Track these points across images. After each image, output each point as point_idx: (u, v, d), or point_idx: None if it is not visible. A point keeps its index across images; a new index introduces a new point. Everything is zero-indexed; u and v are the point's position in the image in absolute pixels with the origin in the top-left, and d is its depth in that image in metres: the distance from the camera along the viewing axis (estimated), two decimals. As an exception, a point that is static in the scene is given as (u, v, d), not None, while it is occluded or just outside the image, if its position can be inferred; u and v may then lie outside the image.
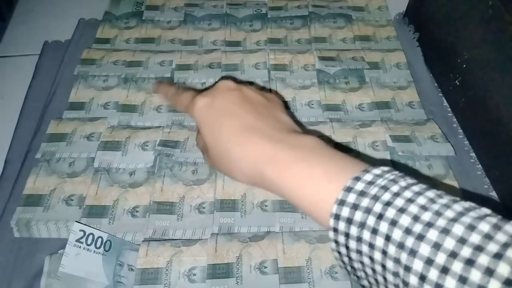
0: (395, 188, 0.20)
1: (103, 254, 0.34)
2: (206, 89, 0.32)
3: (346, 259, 0.22)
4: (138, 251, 0.34)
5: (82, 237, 0.33)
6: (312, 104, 0.46)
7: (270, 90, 0.44)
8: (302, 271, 0.33)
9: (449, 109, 0.47)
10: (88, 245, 0.33)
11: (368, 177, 0.22)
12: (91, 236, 0.34)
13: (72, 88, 0.48)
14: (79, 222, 0.35)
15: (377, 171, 0.22)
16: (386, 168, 0.22)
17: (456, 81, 0.45)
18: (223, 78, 0.31)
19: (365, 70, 0.49)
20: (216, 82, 0.32)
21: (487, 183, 0.40)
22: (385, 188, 0.20)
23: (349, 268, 0.23)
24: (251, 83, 0.32)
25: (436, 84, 0.49)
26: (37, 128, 0.44)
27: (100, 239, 0.34)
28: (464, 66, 0.44)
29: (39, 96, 0.47)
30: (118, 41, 0.54)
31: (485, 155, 0.42)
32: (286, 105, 0.31)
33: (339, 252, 0.22)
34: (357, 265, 0.22)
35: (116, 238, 0.35)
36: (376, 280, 0.21)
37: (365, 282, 0.22)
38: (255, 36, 0.55)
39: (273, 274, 0.33)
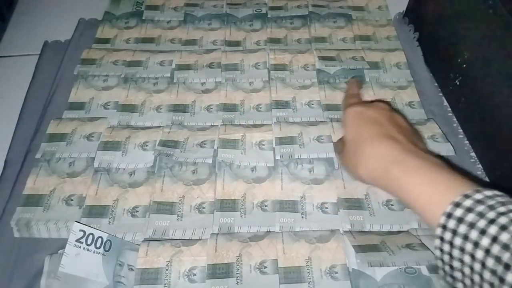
0: (506, 207, 0.23)
1: (103, 254, 0.34)
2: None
3: (447, 258, 0.25)
4: (138, 251, 0.34)
5: (82, 237, 0.33)
6: (312, 104, 0.46)
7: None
8: (302, 271, 0.33)
9: (449, 109, 0.47)
10: (88, 245, 0.33)
11: (486, 193, 0.25)
12: (91, 236, 0.34)
13: (72, 88, 0.48)
14: (79, 222, 0.35)
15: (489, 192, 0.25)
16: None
17: (456, 81, 0.45)
18: (380, 100, 0.37)
19: (365, 69, 0.49)
20: (374, 101, 0.37)
21: (487, 183, 0.40)
22: (500, 203, 0.24)
23: (447, 267, 0.25)
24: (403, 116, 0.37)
25: (436, 84, 0.49)
26: (37, 128, 0.44)
27: (100, 239, 0.34)
28: (464, 66, 0.44)
29: (39, 96, 0.47)
30: (118, 41, 0.54)
31: (485, 155, 0.42)
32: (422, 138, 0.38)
33: (442, 250, 0.25)
34: (456, 263, 0.24)
35: (116, 238, 0.35)
36: (472, 280, 0.23)
37: (459, 285, 0.25)
38: (255, 36, 0.55)
39: (273, 274, 0.33)
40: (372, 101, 0.36)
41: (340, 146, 0.37)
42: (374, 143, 0.31)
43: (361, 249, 0.33)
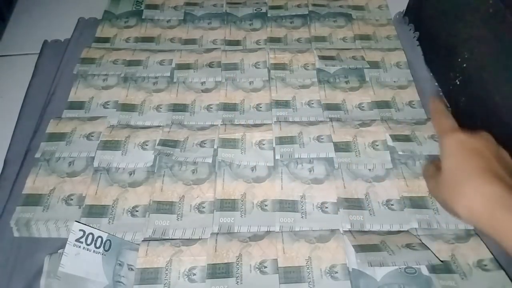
0: None
1: (102, 254, 0.34)
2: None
3: None
4: (138, 250, 0.34)
5: (81, 237, 0.33)
6: (312, 104, 0.46)
7: None
8: (302, 271, 0.33)
9: (450, 109, 0.46)
10: (87, 244, 0.33)
11: None
12: (90, 236, 0.34)
13: (71, 87, 0.47)
14: (78, 222, 0.35)
15: None
16: None
17: (456, 81, 0.45)
18: (485, 132, 0.33)
19: (365, 69, 0.49)
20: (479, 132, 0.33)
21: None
22: None
23: None
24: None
25: (436, 84, 0.49)
26: (36, 127, 0.44)
27: (99, 239, 0.34)
28: (464, 65, 0.44)
29: (39, 95, 0.47)
30: (117, 40, 0.54)
31: (485, 155, 0.41)
32: None
33: None
34: None
35: (115, 238, 0.35)
36: None
37: None
38: (255, 35, 0.55)
39: (273, 273, 0.33)
40: (475, 131, 0.33)
41: (432, 171, 0.34)
42: (479, 181, 0.28)
43: (361, 248, 0.33)
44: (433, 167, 0.34)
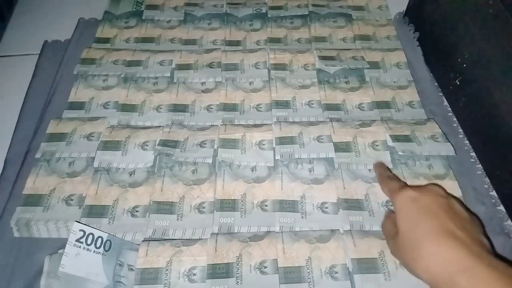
0: None
1: (103, 254, 0.34)
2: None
3: None
4: (138, 251, 0.34)
5: (82, 237, 0.33)
6: (312, 104, 0.46)
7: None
8: (302, 271, 0.33)
9: (449, 109, 0.46)
10: (88, 245, 0.33)
11: None
12: (91, 236, 0.34)
13: (72, 87, 0.48)
14: (79, 222, 0.35)
15: None
16: None
17: (457, 81, 0.45)
18: (433, 184, 0.33)
19: (365, 69, 0.49)
20: (427, 186, 0.33)
21: (487, 183, 0.40)
22: None
23: None
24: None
25: (436, 84, 0.49)
26: (37, 127, 0.44)
27: (100, 239, 0.34)
28: (465, 65, 0.44)
29: (39, 95, 0.47)
30: (118, 40, 0.54)
31: (485, 155, 0.41)
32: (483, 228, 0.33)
33: None
34: None
35: (116, 238, 0.35)
36: None
37: None
38: (255, 35, 0.55)
39: (273, 274, 0.33)
40: (423, 186, 0.33)
41: (390, 229, 0.33)
42: (435, 243, 0.28)
43: (358, 266, 0.33)
44: (391, 224, 0.33)
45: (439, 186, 0.33)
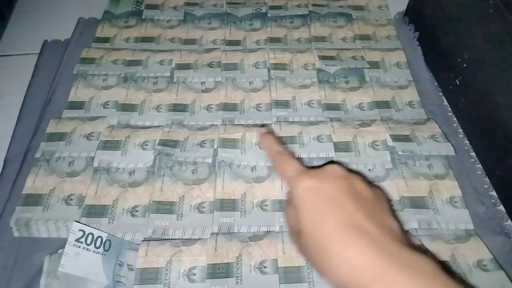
0: None
1: (102, 254, 0.34)
2: (312, 167, 0.30)
3: None
4: (138, 250, 0.34)
5: (81, 237, 0.33)
6: (312, 104, 0.46)
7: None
8: (302, 271, 0.33)
9: (449, 109, 0.46)
10: (87, 244, 0.33)
11: None
12: (90, 236, 0.34)
13: (71, 87, 0.47)
14: (78, 222, 0.35)
15: None
16: None
17: (456, 81, 0.45)
18: (332, 162, 0.30)
19: (365, 69, 0.49)
20: (324, 164, 0.30)
21: (487, 183, 0.40)
22: None
23: None
24: (360, 175, 0.30)
25: (436, 84, 0.49)
26: (36, 127, 0.44)
27: (99, 239, 0.34)
28: (464, 65, 0.44)
29: (39, 95, 0.47)
30: (117, 40, 0.54)
31: (485, 155, 0.41)
32: (391, 203, 0.30)
33: None
34: None
35: (115, 238, 0.35)
36: None
37: None
38: (255, 35, 0.55)
39: (273, 274, 0.33)
40: (321, 168, 0.29)
41: (294, 224, 0.28)
42: (342, 244, 0.24)
43: None
44: (294, 216, 0.28)
45: (337, 163, 0.30)
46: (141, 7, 0.58)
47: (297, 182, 0.28)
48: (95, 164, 0.40)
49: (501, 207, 0.38)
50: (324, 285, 0.33)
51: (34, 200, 0.38)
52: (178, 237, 0.36)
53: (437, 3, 0.50)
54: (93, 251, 0.33)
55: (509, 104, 0.38)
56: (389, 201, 0.30)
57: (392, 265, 0.23)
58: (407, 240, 0.26)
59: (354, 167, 0.40)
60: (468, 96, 0.44)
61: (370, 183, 0.29)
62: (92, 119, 0.44)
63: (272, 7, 0.58)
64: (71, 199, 0.38)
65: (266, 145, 0.34)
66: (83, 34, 0.54)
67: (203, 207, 0.38)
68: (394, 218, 0.27)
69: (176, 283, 0.33)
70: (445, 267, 0.25)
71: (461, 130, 0.44)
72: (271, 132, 0.35)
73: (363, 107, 0.46)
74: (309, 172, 0.28)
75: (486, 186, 0.40)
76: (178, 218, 0.37)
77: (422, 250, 0.25)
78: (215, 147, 0.41)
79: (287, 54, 0.51)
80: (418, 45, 0.53)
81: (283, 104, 0.46)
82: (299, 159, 0.30)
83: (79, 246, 0.33)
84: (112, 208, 0.37)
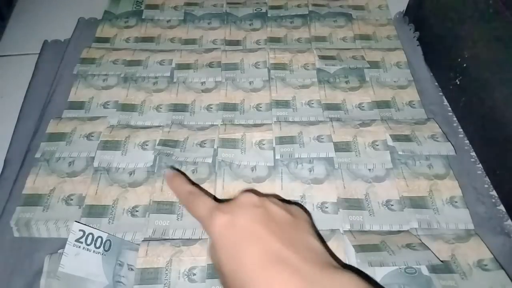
0: None
1: (102, 254, 0.34)
2: (225, 200, 0.29)
3: None
4: (138, 250, 0.34)
5: (81, 237, 0.33)
6: (312, 104, 0.46)
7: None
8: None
9: (449, 109, 0.46)
10: (87, 245, 0.33)
11: None
12: (90, 236, 0.34)
13: (71, 87, 0.47)
14: (78, 222, 0.35)
15: None
16: None
17: (457, 80, 0.45)
18: (245, 191, 0.28)
19: (365, 69, 0.49)
20: (237, 196, 0.28)
21: (487, 183, 0.40)
22: None
23: None
24: (274, 196, 0.30)
25: (436, 83, 0.49)
26: (36, 127, 0.44)
27: (99, 239, 0.34)
28: (465, 65, 0.44)
29: (39, 95, 0.47)
30: (117, 40, 0.54)
31: (485, 155, 0.41)
32: (310, 218, 0.29)
33: None
34: None
35: (115, 238, 0.35)
36: None
37: None
38: (255, 35, 0.55)
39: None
40: (235, 200, 0.28)
41: (217, 263, 0.27)
42: (264, 281, 0.23)
43: (361, 248, 0.33)
44: (215, 262, 0.27)
45: (251, 191, 0.29)
46: (141, 7, 0.58)
47: (211, 220, 0.27)
48: (95, 164, 0.40)
49: (501, 207, 0.38)
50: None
51: (34, 200, 0.38)
52: (178, 237, 0.36)
53: (437, 3, 0.50)
54: (93, 251, 0.33)
55: (509, 104, 0.38)
56: (309, 218, 0.29)
57: None
58: (327, 258, 0.25)
59: (354, 167, 0.40)
60: (468, 96, 0.44)
61: (286, 203, 0.28)
62: (92, 119, 0.44)
63: (272, 7, 0.58)
64: (71, 199, 0.38)
65: (175, 187, 0.33)
66: (83, 34, 0.54)
67: (203, 207, 0.38)
68: (314, 236, 0.27)
69: (176, 283, 0.33)
70: (370, 280, 0.25)
71: (461, 130, 0.44)
72: (178, 173, 0.34)
73: (363, 107, 0.46)
74: (222, 207, 0.27)
75: (486, 186, 0.40)
76: (178, 218, 0.37)
77: (345, 266, 0.24)
78: (215, 147, 0.41)
79: (287, 54, 0.51)
80: (418, 45, 0.53)
81: (283, 104, 0.46)
82: (212, 198, 0.29)
83: (79, 246, 0.33)
84: (112, 208, 0.37)
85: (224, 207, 0.27)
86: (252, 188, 0.34)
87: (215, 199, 0.30)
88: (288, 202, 0.29)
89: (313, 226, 0.28)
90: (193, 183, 0.32)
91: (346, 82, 0.48)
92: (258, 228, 0.25)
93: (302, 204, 0.38)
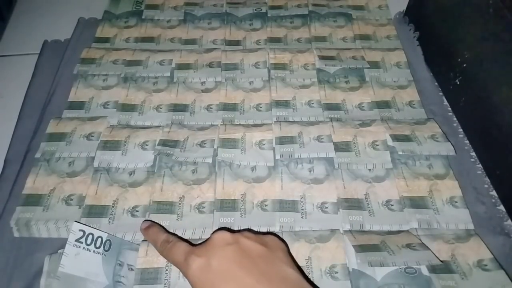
0: None
1: (102, 254, 0.34)
2: (199, 243, 0.30)
3: None
4: (138, 250, 0.34)
5: (81, 237, 0.33)
6: (312, 104, 0.46)
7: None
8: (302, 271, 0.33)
9: (449, 109, 0.46)
10: (87, 245, 0.33)
11: None
12: (90, 236, 0.34)
13: (71, 87, 0.47)
14: (78, 222, 0.35)
15: None
16: None
17: (457, 80, 0.45)
18: (218, 230, 0.29)
19: (365, 69, 0.49)
20: (211, 235, 0.29)
21: (487, 183, 0.40)
22: None
23: None
24: (248, 230, 0.31)
25: (436, 84, 0.49)
26: (36, 127, 0.44)
27: (99, 239, 0.34)
28: (465, 65, 0.44)
29: (39, 95, 0.47)
30: (117, 40, 0.54)
31: (485, 155, 0.41)
32: (286, 246, 0.30)
33: None
34: None
35: (115, 238, 0.35)
36: None
37: None
38: (255, 35, 0.55)
39: (273, 274, 0.33)
40: (207, 241, 0.29)
41: None
42: None
43: (361, 248, 0.33)
44: None
45: (223, 229, 0.30)
46: (141, 7, 0.58)
47: (187, 265, 0.27)
48: (95, 164, 0.40)
49: (501, 207, 0.38)
50: (324, 285, 0.33)
51: (34, 200, 0.38)
52: (178, 237, 0.36)
53: (437, 3, 0.50)
54: (93, 251, 0.33)
55: (509, 104, 0.38)
56: (284, 246, 0.30)
57: None
58: (303, 286, 0.26)
59: (354, 167, 0.40)
60: (468, 96, 0.44)
61: (259, 235, 0.29)
62: (92, 119, 0.44)
63: (272, 7, 0.58)
64: (71, 199, 0.38)
65: (150, 237, 0.34)
66: (83, 34, 0.55)
67: (203, 207, 0.38)
68: (290, 265, 0.27)
69: (176, 283, 0.33)
70: None
71: (461, 130, 0.44)
72: (153, 223, 0.35)
73: (363, 107, 0.46)
74: (196, 251, 0.28)
75: (486, 186, 0.40)
76: (178, 218, 0.37)
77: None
78: (215, 147, 0.41)
79: (287, 54, 0.51)
80: (418, 45, 0.53)
81: (283, 104, 0.46)
82: (188, 243, 0.30)
83: (79, 246, 0.33)
84: (112, 208, 0.37)
85: (199, 250, 0.28)
86: (225, 226, 0.35)
87: (189, 243, 0.30)
88: (262, 233, 0.30)
89: (289, 255, 0.29)
90: (168, 232, 0.34)
91: (346, 82, 0.48)
92: (232, 268, 0.26)
93: (302, 203, 0.38)
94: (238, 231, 0.29)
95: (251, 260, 0.27)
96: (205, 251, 0.28)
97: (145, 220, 0.36)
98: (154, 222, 0.36)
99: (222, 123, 0.44)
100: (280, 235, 0.35)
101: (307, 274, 0.33)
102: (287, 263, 0.28)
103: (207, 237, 0.29)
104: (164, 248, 0.31)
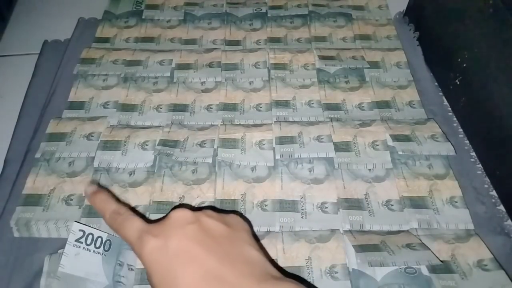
0: None
1: (102, 254, 0.34)
2: (156, 220, 0.27)
3: None
4: (138, 250, 0.34)
5: (81, 237, 0.33)
6: (312, 104, 0.46)
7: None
8: (302, 271, 0.33)
9: (449, 109, 0.46)
10: (87, 245, 0.33)
11: None
12: (90, 236, 0.34)
13: (71, 87, 0.47)
14: (78, 222, 0.35)
15: None
16: None
17: (457, 81, 0.45)
18: (176, 207, 0.27)
19: (365, 69, 0.49)
20: (169, 212, 0.26)
21: (487, 183, 0.40)
22: None
23: None
24: (211, 207, 0.28)
25: (436, 84, 0.49)
26: (36, 127, 0.44)
27: (99, 239, 0.34)
28: (465, 65, 0.44)
29: (39, 95, 0.47)
30: (117, 40, 0.54)
31: (485, 155, 0.41)
32: (250, 226, 0.28)
33: None
34: None
35: (115, 238, 0.35)
36: None
37: None
38: (255, 35, 0.55)
39: (273, 274, 0.33)
40: (165, 220, 0.26)
41: None
42: None
43: (361, 248, 0.33)
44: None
45: (183, 205, 0.27)
46: (141, 7, 0.58)
47: (141, 245, 0.25)
48: (95, 164, 0.40)
49: (501, 207, 0.38)
50: (324, 285, 0.33)
51: (34, 200, 0.38)
52: (178, 237, 0.36)
53: (437, 3, 0.50)
54: (93, 251, 0.33)
55: (509, 104, 0.38)
56: (247, 226, 0.28)
57: None
58: (267, 269, 0.24)
59: (354, 167, 0.40)
60: (468, 96, 0.44)
61: (222, 214, 0.27)
62: (92, 119, 0.44)
63: (272, 7, 0.58)
64: (71, 199, 0.38)
65: (98, 205, 0.30)
66: (83, 34, 0.55)
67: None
68: (253, 245, 0.26)
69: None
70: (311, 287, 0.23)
71: (461, 130, 0.44)
72: (101, 189, 0.31)
73: (363, 107, 0.46)
74: (152, 229, 0.25)
75: (486, 186, 0.40)
76: (178, 218, 0.37)
77: (284, 275, 0.24)
78: (215, 147, 0.41)
79: (287, 54, 0.51)
80: (418, 45, 0.53)
81: (283, 104, 0.46)
82: (142, 218, 0.27)
83: (79, 246, 0.33)
84: (112, 208, 0.37)
85: (155, 229, 0.25)
86: (186, 203, 0.32)
87: (144, 218, 0.27)
88: (225, 212, 0.28)
89: (252, 235, 0.27)
90: (120, 201, 0.31)
91: (346, 82, 0.48)
92: (193, 247, 0.24)
93: (302, 203, 0.38)
94: (199, 209, 0.27)
95: (213, 240, 0.24)
96: (162, 230, 0.25)
97: (91, 185, 0.32)
98: (102, 187, 0.32)
99: (222, 123, 0.44)
100: (280, 236, 0.35)
101: (307, 274, 0.33)
102: (251, 244, 0.26)
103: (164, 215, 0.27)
104: (114, 221, 0.28)
